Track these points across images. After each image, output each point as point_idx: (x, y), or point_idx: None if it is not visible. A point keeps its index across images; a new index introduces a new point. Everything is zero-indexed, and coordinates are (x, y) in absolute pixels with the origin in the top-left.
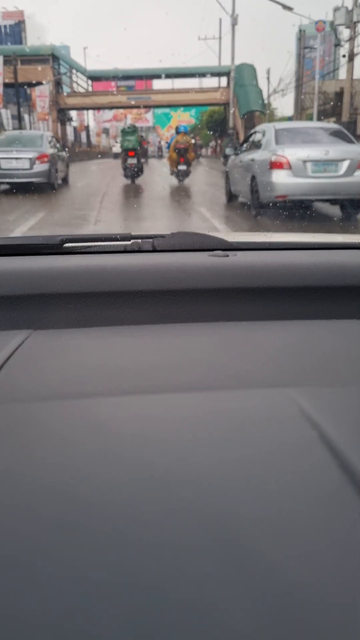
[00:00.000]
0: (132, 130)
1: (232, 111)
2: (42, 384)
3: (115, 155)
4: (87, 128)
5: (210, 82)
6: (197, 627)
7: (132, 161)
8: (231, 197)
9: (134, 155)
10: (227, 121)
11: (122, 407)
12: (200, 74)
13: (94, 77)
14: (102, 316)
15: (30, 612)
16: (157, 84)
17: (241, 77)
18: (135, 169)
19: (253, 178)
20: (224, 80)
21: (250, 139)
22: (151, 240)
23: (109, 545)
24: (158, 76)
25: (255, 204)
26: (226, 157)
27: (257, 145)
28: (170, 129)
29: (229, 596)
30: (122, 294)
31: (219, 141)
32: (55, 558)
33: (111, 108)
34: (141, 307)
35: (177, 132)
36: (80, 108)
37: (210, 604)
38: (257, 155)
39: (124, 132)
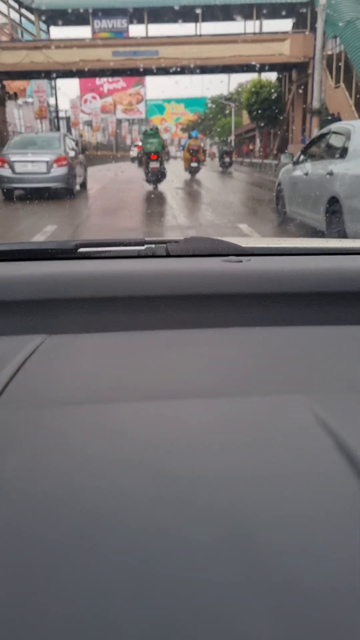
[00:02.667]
0: (155, 132)
1: (318, 77)
2: (57, 388)
3: (133, 160)
4: (61, 118)
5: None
6: (213, 631)
7: (154, 165)
8: (285, 218)
9: (157, 158)
10: (286, 102)
11: (136, 413)
12: (258, 6)
13: (49, 17)
14: (116, 321)
15: (43, 618)
16: (161, 30)
17: (338, 8)
18: (158, 173)
19: (333, 201)
20: (278, 24)
21: (322, 143)
22: (165, 245)
23: (124, 551)
24: (170, 14)
25: (337, 237)
26: (222, 159)
27: (335, 152)
28: (163, 122)
29: (245, 603)
30: (136, 299)
31: (272, 134)
32: (69, 563)
33: (81, 75)
34: (155, 312)
35: (190, 137)
36: (24, 74)
37: (227, 611)
38: (340, 167)
39: (146, 135)
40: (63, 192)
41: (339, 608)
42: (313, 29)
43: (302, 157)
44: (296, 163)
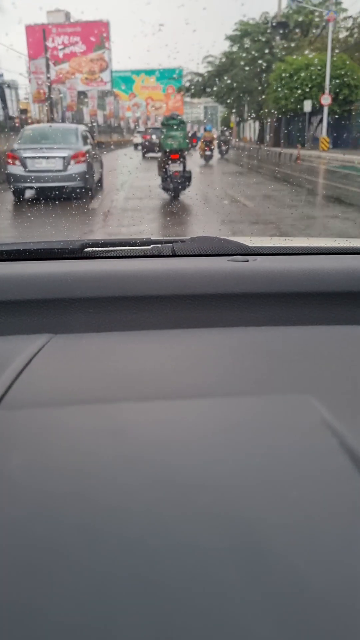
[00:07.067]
0: (179, 122)
1: None
2: (62, 388)
3: (136, 146)
4: None
5: None
6: (215, 634)
7: (176, 168)
8: None
9: (179, 158)
10: None
11: (141, 413)
12: None
13: None
14: (122, 321)
15: (44, 616)
16: None
17: None
18: (180, 180)
19: None
20: None
21: None
22: (171, 245)
23: (126, 551)
24: None
25: None
26: (220, 148)
27: None
28: (132, 97)
29: (248, 606)
30: (142, 298)
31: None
32: (72, 563)
33: None
34: (161, 312)
35: (205, 130)
36: None
37: (231, 611)
38: None
39: (167, 126)
40: (80, 192)
41: (344, 610)
42: None
43: None
44: None
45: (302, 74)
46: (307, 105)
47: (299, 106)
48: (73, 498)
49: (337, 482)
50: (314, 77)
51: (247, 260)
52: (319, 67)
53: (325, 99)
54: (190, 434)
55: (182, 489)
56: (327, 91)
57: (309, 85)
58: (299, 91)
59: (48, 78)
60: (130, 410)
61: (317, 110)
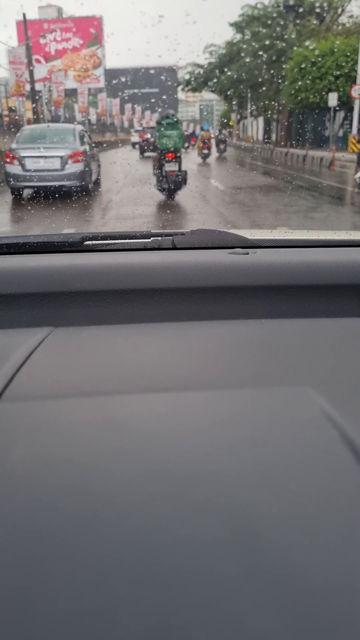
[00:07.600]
0: (174, 121)
1: None
2: (62, 381)
3: (134, 145)
4: None
5: None
6: (215, 624)
7: (171, 167)
8: None
9: (175, 158)
10: None
11: (141, 405)
12: None
13: None
14: (122, 313)
15: (45, 607)
16: None
17: None
18: (176, 179)
19: None
20: None
21: None
22: (171, 237)
23: (126, 543)
24: None
25: None
26: (218, 147)
27: None
28: None
29: (248, 594)
30: (142, 291)
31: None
32: (73, 554)
33: None
34: (161, 305)
35: (202, 129)
36: None
37: (230, 602)
38: None
39: (162, 125)
40: (78, 191)
41: (343, 601)
42: None
43: None
44: None
45: (327, 62)
46: (333, 99)
47: (321, 99)
48: (73, 490)
49: (337, 474)
50: (342, 64)
51: (247, 253)
52: (347, 54)
53: (357, 91)
54: (190, 426)
55: (182, 480)
56: (359, 81)
57: (335, 75)
58: (323, 82)
59: (30, 69)
60: (130, 403)
61: (339, 104)
